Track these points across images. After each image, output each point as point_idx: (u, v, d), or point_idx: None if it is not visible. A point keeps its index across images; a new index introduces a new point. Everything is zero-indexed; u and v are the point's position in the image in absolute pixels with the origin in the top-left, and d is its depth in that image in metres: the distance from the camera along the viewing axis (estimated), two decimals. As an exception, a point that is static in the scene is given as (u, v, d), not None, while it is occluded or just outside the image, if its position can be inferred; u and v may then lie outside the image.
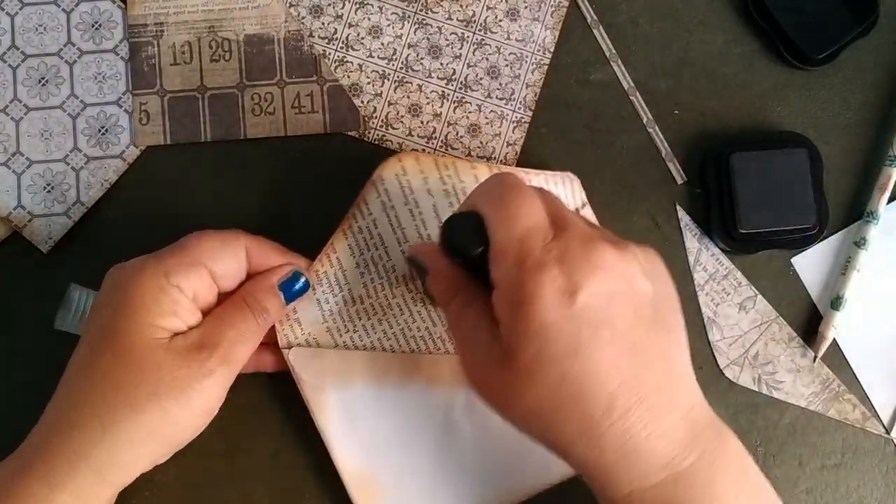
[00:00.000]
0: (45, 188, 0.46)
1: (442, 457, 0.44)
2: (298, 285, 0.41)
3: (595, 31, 0.48)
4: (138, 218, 0.46)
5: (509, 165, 0.47)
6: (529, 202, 0.33)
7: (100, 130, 0.46)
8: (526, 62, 0.47)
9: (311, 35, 0.47)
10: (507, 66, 0.47)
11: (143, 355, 0.36)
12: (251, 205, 0.46)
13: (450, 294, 0.37)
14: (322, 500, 0.44)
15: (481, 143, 0.47)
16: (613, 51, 0.48)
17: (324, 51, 0.47)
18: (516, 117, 0.47)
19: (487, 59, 0.48)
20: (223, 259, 0.39)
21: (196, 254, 0.38)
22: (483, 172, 0.43)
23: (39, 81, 0.47)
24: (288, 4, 0.47)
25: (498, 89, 0.47)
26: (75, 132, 0.46)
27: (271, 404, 0.45)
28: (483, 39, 0.48)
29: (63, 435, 0.36)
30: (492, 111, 0.47)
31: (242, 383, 0.45)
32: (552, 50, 0.48)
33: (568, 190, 0.45)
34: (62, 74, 0.47)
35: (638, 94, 0.48)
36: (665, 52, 0.48)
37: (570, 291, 0.31)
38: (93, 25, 0.47)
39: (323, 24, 0.47)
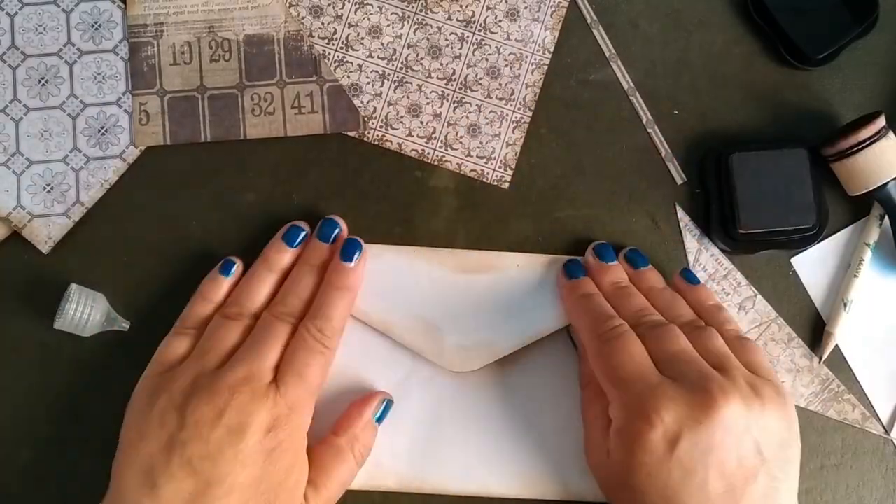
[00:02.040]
0: (44, 188, 0.46)
1: None
2: (388, 409, 0.44)
3: (595, 32, 0.48)
4: (138, 218, 0.46)
5: (509, 167, 0.47)
6: (633, 348, 0.38)
7: (99, 131, 0.46)
8: (526, 62, 0.47)
9: (311, 35, 0.47)
10: (506, 66, 0.47)
11: None
12: (252, 205, 0.46)
13: (585, 380, 0.43)
14: (322, 500, 0.44)
15: (481, 143, 0.47)
16: (613, 51, 0.48)
17: (324, 51, 0.47)
18: (516, 117, 0.47)
19: (487, 60, 0.48)
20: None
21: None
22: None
23: (39, 81, 0.47)
24: (288, 4, 0.47)
25: (498, 89, 0.47)
26: (75, 132, 0.46)
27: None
28: (483, 40, 0.48)
29: None
30: (491, 111, 0.47)
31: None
32: (552, 50, 0.48)
33: None
34: (62, 74, 0.47)
35: (638, 94, 0.48)
36: (665, 52, 0.48)
37: (671, 440, 0.35)
38: (92, 25, 0.47)
39: (323, 24, 0.47)
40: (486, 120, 0.47)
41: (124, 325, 0.44)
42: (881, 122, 0.44)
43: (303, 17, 0.47)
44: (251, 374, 0.38)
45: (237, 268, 0.43)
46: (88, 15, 0.47)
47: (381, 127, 0.47)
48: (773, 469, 0.35)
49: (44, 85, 0.47)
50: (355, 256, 0.42)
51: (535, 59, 0.47)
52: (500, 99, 0.47)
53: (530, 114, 0.47)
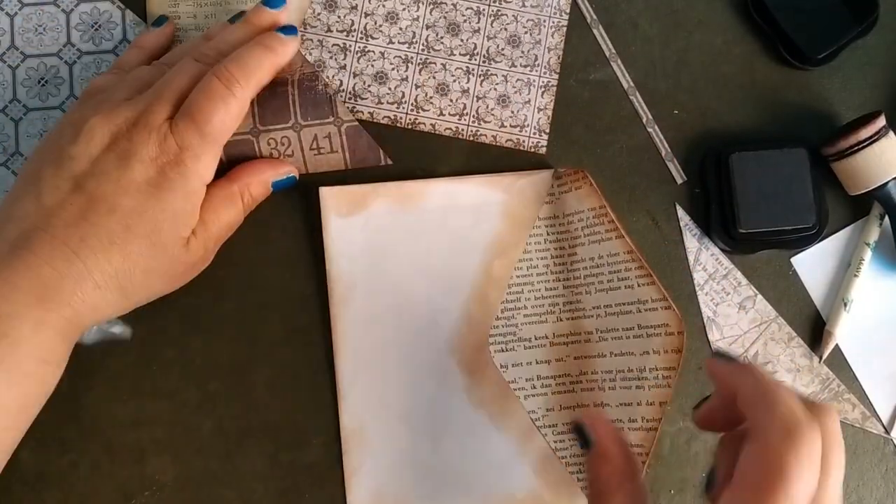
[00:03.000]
0: (44, 188, 0.46)
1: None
2: (289, 183, 0.43)
3: (595, 31, 0.48)
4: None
5: (543, 132, 0.47)
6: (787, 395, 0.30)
7: (99, 131, 0.46)
8: (545, 27, 0.48)
9: (328, 31, 0.47)
10: (526, 32, 0.48)
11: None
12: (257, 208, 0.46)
13: (616, 481, 0.33)
14: (322, 500, 0.44)
15: (512, 112, 0.47)
16: (613, 51, 0.48)
17: (344, 44, 0.47)
18: (543, 82, 0.47)
19: (506, 29, 0.48)
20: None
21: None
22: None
23: (39, 82, 0.47)
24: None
25: (521, 57, 0.47)
26: (75, 132, 0.46)
27: (271, 404, 0.45)
28: (499, 10, 0.48)
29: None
30: (518, 80, 0.47)
31: (242, 384, 0.45)
32: (568, 11, 0.48)
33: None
34: (61, 75, 0.47)
35: (638, 94, 0.48)
36: (665, 52, 0.48)
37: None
38: (92, 26, 0.47)
39: (339, 17, 0.47)
40: (513, 89, 0.47)
41: (126, 334, 0.44)
42: (881, 121, 0.44)
43: (318, 14, 0.47)
44: (150, 107, 0.38)
45: (169, 21, 0.46)
46: (88, 15, 0.47)
47: (412, 111, 0.47)
48: None
49: (43, 85, 0.47)
50: (291, 32, 0.42)
51: (554, 22, 0.48)
52: (525, 66, 0.47)
53: (556, 77, 0.47)
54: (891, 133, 0.44)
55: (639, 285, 0.44)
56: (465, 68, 0.48)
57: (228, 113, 0.39)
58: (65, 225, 0.36)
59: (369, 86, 0.47)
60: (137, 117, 0.38)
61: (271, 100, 0.42)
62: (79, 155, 0.37)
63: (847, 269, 0.46)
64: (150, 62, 0.44)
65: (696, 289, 0.46)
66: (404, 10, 0.48)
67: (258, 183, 0.42)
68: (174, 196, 0.38)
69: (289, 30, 0.42)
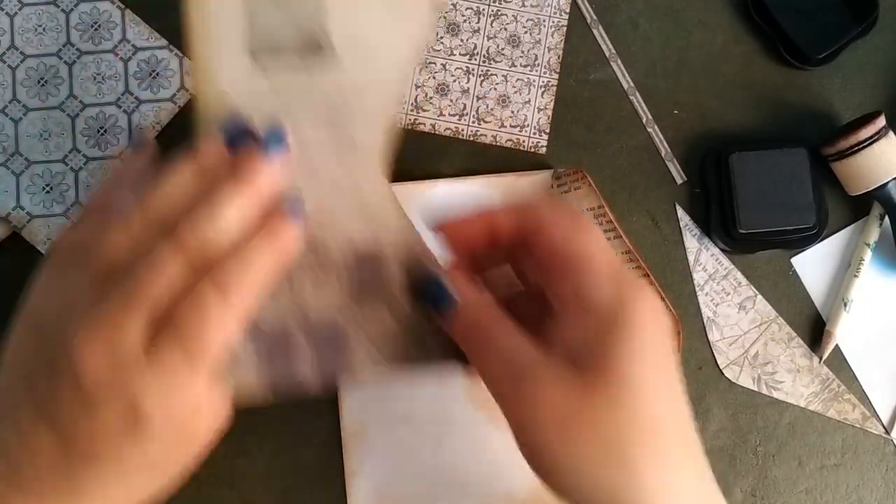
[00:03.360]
0: (44, 189, 0.46)
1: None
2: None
3: (595, 31, 0.48)
4: (138, 218, 0.46)
5: (543, 132, 0.47)
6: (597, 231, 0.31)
7: (98, 131, 0.46)
8: (544, 26, 0.48)
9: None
10: (526, 32, 0.48)
11: None
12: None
13: (485, 325, 0.31)
14: (322, 500, 0.44)
15: (512, 112, 0.47)
16: (613, 51, 0.48)
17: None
18: (543, 82, 0.47)
19: (506, 29, 0.48)
20: None
21: None
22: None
23: (38, 82, 0.47)
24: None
25: (521, 57, 0.48)
26: (74, 133, 0.46)
27: (271, 405, 0.45)
28: (499, 10, 0.48)
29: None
30: (518, 79, 0.47)
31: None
32: (568, 11, 0.48)
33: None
34: (61, 75, 0.47)
35: (638, 93, 0.48)
36: (665, 52, 0.48)
37: (659, 312, 0.30)
38: (92, 26, 0.47)
39: None
40: (513, 89, 0.47)
41: None
42: (881, 121, 0.44)
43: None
44: (117, 326, 0.29)
45: (148, 139, 0.36)
46: (88, 15, 0.47)
47: (412, 111, 0.47)
48: None
49: (43, 85, 0.47)
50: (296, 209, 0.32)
51: (554, 22, 0.48)
52: (525, 66, 0.47)
53: (556, 77, 0.47)
54: (891, 133, 0.44)
55: None
56: (464, 68, 0.48)
57: (227, 327, 0.30)
58: (37, 478, 0.29)
59: (369, 86, 0.47)
60: (104, 339, 0.29)
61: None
62: (47, 398, 0.29)
63: (847, 269, 0.46)
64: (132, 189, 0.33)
65: (696, 289, 0.46)
66: (404, 10, 0.48)
67: None
68: (161, 435, 0.30)
69: (295, 210, 0.32)
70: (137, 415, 0.29)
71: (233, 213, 0.31)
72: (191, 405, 0.30)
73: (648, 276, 0.44)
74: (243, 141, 0.32)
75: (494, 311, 0.31)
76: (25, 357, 0.31)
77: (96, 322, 0.29)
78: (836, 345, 0.46)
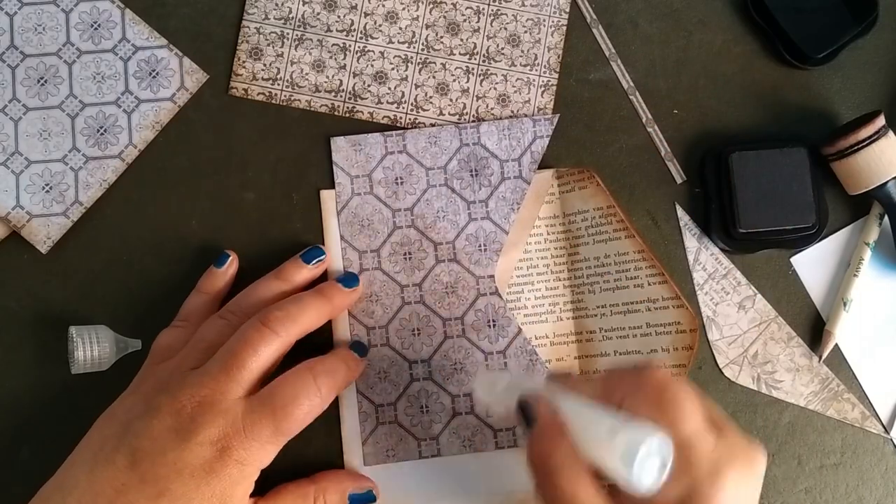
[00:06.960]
0: (43, 188, 0.46)
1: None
2: (367, 499, 0.43)
3: (594, 31, 0.48)
4: (137, 218, 0.46)
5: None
6: (690, 406, 0.32)
7: (98, 130, 0.46)
8: (544, 26, 0.48)
9: (328, 30, 0.47)
10: (525, 32, 0.48)
11: None
12: (251, 205, 0.46)
13: (559, 456, 0.32)
14: (322, 500, 0.44)
15: (512, 111, 0.47)
16: (613, 50, 0.48)
17: (343, 43, 0.47)
18: (543, 81, 0.47)
19: (506, 29, 0.48)
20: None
21: None
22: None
23: (38, 81, 0.46)
24: (302, 2, 0.47)
25: (521, 56, 0.47)
26: (74, 132, 0.46)
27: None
28: (499, 10, 0.48)
29: None
30: (518, 79, 0.47)
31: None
32: (567, 10, 0.48)
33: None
34: (61, 74, 0.46)
35: (637, 93, 0.48)
36: (665, 52, 0.48)
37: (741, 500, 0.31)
38: (92, 25, 0.47)
39: (339, 17, 0.47)
40: (513, 88, 0.47)
41: (136, 345, 0.44)
42: (881, 121, 0.44)
43: (318, 13, 0.47)
44: (218, 385, 0.36)
45: (231, 259, 0.44)
46: (88, 15, 0.47)
47: (412, 110, 0.47)
48: None
49: (43, 85, 0.46)
50: (352, 283, 0.44)
51: (553, 21, 0.48)
52: (525, 65, 0.47)
53: (556, 76, 0.47)
54: (890, 133, 0.44)
55: (649, 284, 0.44)
56: (464, 68, 0.48)
57: (311, 411, 0.38)
58: None
59: (369, 86, 0.47)
60: (204, 395, 0.36)
61: None
62: (141, 431, 0.36)
63: (847, 268, 0.46)
64: (214, 306, 0.43)
65: (696, 288, 0.46)
66: (404, 9, 0.48)
67: (336, 491, 0.41)
68: (227, 484, 0.36)
69: (349, 277, 0.44)
70: (220, 457, 0.36)
71: (311, 313, 0.40)
72: (259, 466, 0.37)
73: (663, 274, 0.44)
74: (319, 258, 0.44)
75: (568, 447, 0.32)
76: (128, 415, 0.37)
77: (200, 377, 0.37)
78: (836, 344, 0.46)
